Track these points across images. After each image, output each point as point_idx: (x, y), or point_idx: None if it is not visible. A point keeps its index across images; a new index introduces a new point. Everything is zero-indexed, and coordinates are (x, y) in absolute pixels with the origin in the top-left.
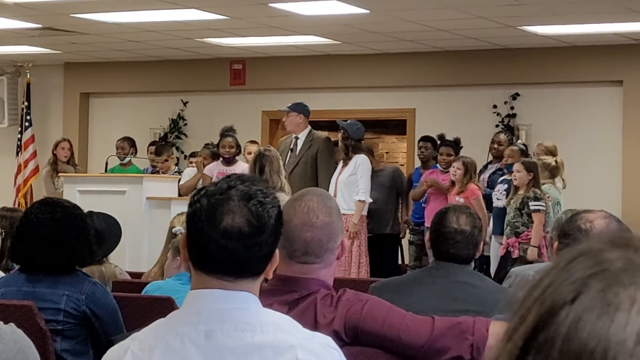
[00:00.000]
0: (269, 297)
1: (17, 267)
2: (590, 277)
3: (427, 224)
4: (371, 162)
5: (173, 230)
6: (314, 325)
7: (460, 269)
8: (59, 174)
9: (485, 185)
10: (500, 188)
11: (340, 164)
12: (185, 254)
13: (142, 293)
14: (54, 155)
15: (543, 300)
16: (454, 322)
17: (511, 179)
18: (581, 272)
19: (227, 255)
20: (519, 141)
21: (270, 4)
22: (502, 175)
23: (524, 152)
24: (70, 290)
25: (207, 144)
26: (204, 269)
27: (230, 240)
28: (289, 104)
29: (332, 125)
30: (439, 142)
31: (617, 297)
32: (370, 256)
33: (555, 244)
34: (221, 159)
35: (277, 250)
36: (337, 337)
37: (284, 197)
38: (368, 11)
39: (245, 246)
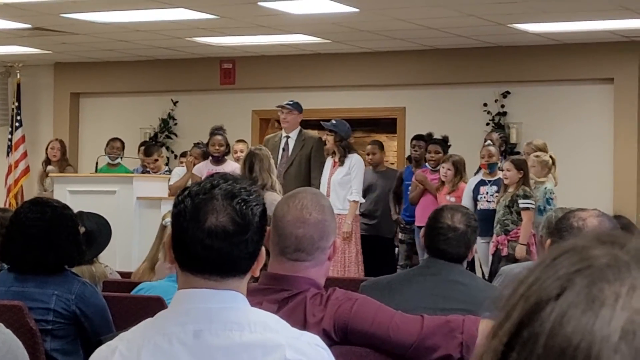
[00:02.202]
0: (258, 295)
1: (6, 266)
2: (576, 273)
3: (417, 222)
4: None
5: (163, 222)
6: (303, 324)
7: (451, 268)
8: (51, 174)
9: None
10: (489, 190)
11: (330, 163)
12: (171, 255)
13: (134, 293)
14: (47, 155)
15: (528, 296)
16: (444, 320)
17: (497, 180)
18: (566, 269)
19: (212, 255)
20: (488, 142)
21: (259, 3)
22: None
23: (504, 150)
24: (60, 290)
25: (197, 143)
26: (191, 269)
27: (215, 239)
28: (288, 101)
29: (321, 125)
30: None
31: (602, 293)
32: (372, 258)
33: (548, 241)
34: (210, 158)
35: (263, 248)
36: (326, 336)
37: (275, 196)
38: (357, 10)
39: (231, 245)
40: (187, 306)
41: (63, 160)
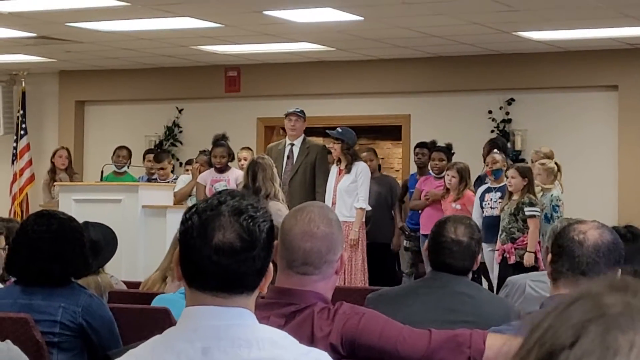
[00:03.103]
0: (266, 309)
1: (13, 279)
2: (590, 321)
3: (422, 230)
4: None
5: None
6: (311, 339)
7: (457, 280)
8: (56, 183)
9: None
10: (494, 197)
11: (335, 171)
12: (179, 271)
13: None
14: (52, 163)
15: (542, 343)
16: (451, 334)
17: (502, 186)
18: (580, 316)
19: (220, 272)
20: (495, 150)
21: (264, 12)
22: (486, 183)
23: (505, 159)
24: (67, 302)
25: (204, 151)
26: (198, 286)
27: (222, 256)
28: (296, 109)
29: (326, 132)
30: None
31: (616, 342)
32: (370, 265)
33: (549, 256)
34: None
35: (270, 265)
36: (333, 350)
37: (279, 206)
38: (362, 18)
39: (238, 261)
40: (195, 323)
41: (70, 168)
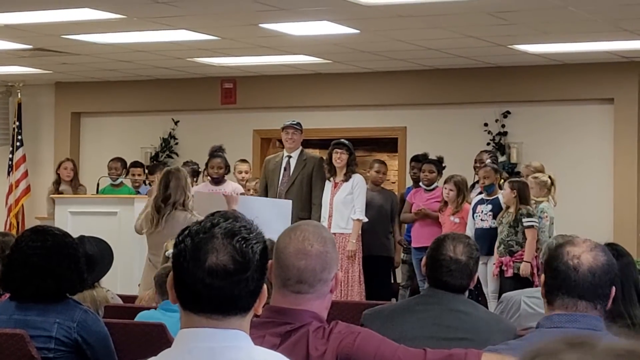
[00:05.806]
0: (261, 329)
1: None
2: None
3: (414, 244)
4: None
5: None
6: (306, 358)
7: (454, 297)
8: (52, 195)
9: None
10: (485, 209)
11: (330, 185)
12: (173, 294)
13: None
14: (58, 175)
15: None
16: (446, 354)
17: (494, 199)
18: None
19: (213, 294)
20: (488, 160)
21: (260, 25)
22: (480, 194)
23: (497, 170)
24: (62, 317)
25: (187, 162)
26: (192, 308)
27: (215, 278)
28: (292, 121)
29: (322, 144)
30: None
31: None
32: (367, 277)
33: (542, 277)
34: (210, 179)
35: (264, 286)
36: None
37: (184, 215)
38: (358, 31)
39: (231, 283)
40: (189, 345)
41: (75, 180)
